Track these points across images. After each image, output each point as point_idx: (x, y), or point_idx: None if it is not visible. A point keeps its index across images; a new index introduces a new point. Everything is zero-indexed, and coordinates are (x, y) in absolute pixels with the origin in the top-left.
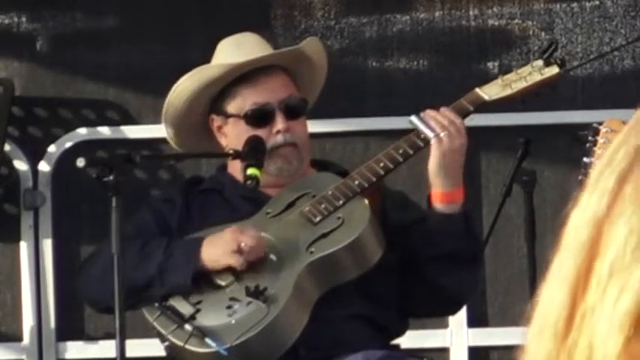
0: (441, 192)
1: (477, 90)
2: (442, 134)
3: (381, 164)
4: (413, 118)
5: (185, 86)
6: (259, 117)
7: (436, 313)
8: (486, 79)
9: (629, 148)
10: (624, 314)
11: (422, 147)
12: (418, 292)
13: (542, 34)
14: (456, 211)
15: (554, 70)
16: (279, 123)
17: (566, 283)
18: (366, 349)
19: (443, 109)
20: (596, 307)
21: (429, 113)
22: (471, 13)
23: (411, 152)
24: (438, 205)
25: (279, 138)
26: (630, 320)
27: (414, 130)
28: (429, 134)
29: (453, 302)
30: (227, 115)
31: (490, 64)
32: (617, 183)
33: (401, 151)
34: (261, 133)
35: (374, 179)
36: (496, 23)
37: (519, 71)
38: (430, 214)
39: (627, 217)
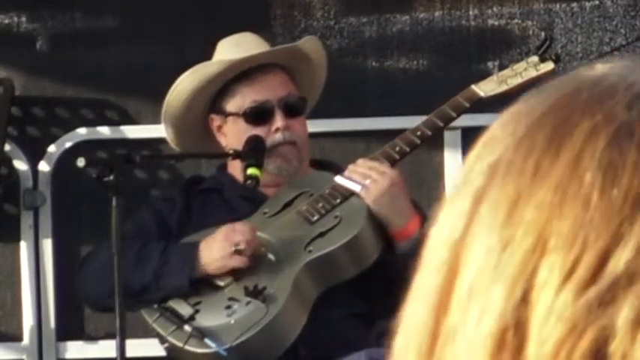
0: (397, 231)
1: (473, 87)
2: (367, 182)
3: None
4: (337, 178)
5: (184, 85)
6: (258, 115)
7: None
8: (486, 78)
9: (482, 165)
10: (486, 336)
11: (418, 144)
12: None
13: (542, 33)
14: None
15: (549, 65)
16: (279, 121)
17: (427, 302)
18: (366, 348)
19: (360, 161)
20: (458, 328)
21: (350, 168)
22: (470, 13)
23: (407, 150)
24: (401, 243)
25: (278, 136)
26: (493, 342)
27: (410, 129)
28: (355, 188)
29: None
30: (226, 114)
31: (490, 64)
32: (472, 204)
33: (397, 149)
34: (260, 131)
35: None
36: (496, 23)
37: (515, 67)
38: (397, 254)
39: (484, 237)
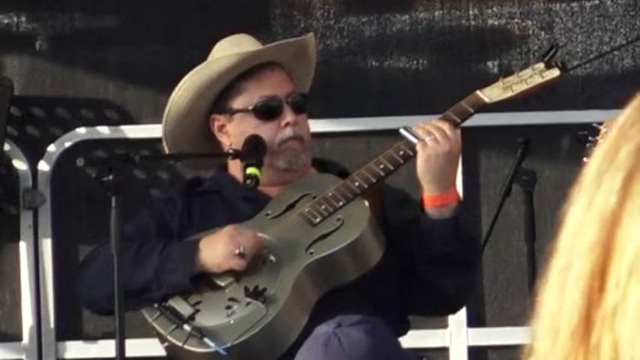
0: (429, 196)
1: (478, 92)
2: (427, 139)
3: (382, 166)
4: (402, 129)
5: (193, 81)
6: (268, 109)
7: (436, 313)
8: (486, 78)
9: (631, 146)
10: None
11: None
12: (417, 291)
13: (542, 33)
14: (447, 215)
15: (555, 72)
16: (288, 116)
17: (578, 285)
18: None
19: (433, 120)
20: (618, 308)
21: (418, 124)
22: (470, 12)
23: (411, 154)
24: (428, 208)
25: (289, 131)
26: None
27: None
28: (414, 141)
29: (449, 303)
30: (232, 112)
31: (490, 64)
32: (624, 182)
33: (401, 153)
34: (269, 126)
35: (374, 180)
36: (496, 23)
37: (520, 74)
38: (421, 218)
39: None
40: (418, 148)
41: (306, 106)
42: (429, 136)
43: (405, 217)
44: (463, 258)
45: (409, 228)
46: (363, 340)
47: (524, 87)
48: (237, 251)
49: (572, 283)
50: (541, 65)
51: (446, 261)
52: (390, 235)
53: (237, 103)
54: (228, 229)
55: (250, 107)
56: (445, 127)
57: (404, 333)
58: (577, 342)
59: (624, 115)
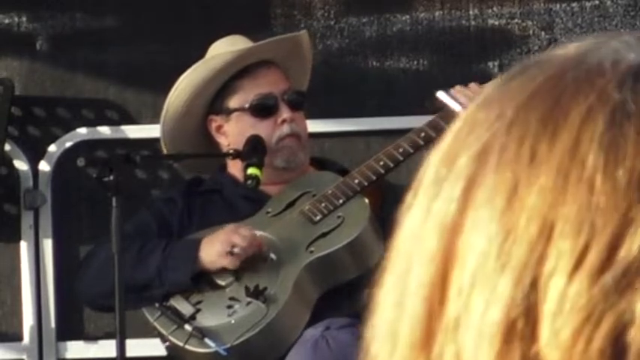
0: None
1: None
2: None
3: (381, 163)
4: (440, 93)
5: (189, 80)
6: (264, 107)
7: None
8: (486, 79)
9: (471, 153)
10: (494, 326)
11: (422, 145)
12: None
13: (543, 33)
14: None
15: None
16: (285, 113)
17: (418, 293)
18: None
19: (471, 85)
20: (460, 319)
21: (457, 88)
22: (470, 12)
23: (411, 151)
24: None
25: (286, 128)
26: (502, 331)
27: (413, 129)
28: (456, 106)
29: None
30: (229, 112)
31: (490, 64)
32: (464, 190)
33: (401, 150)
34: (266, 124)
35: (374, 178)
36: (496, 23)
37: None
38: None
39: (483, 225)
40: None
41: (303, 103)
42: (469, 102)
43: None
44: None
45: None
46: (351, 342)
47: None
48: (228, 249)
49: (413, 291)
50: None
51: None
52: (391, 229)
53: (234, 102)
54: (227, 228)
55: (246, 105)
56: None
57: None
58: (417, 352)
59: (459, 123)
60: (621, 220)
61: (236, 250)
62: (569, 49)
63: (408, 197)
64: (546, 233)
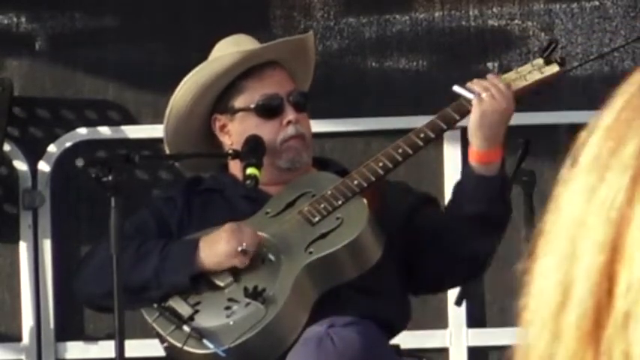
0: (476, 151)
1: None
2: (484, 94)
3: (381, 164)
4: (455, 87)
5: (194, 80)
6: (270, 108)
7: (459, 280)
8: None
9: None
10: None
11: (421, 146)
12: (440, 261)
13: (542, 34)
14: (493, 173)
15: (554, 68)
16: (290, 114)
17: (587, 283)
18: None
19: (489, 75)
20: (631, 314)
21: (474, 80)
22: (470, 13)
23: (410, 152)
24: (474, 163)
25: (291, 129)
26: None
27: (413, 130)
28: (470, 95)
29: (476, 264)
30: (234, 111)
31: (490, 65)
32: (633, 179)
33: (400, 151)
34: (271, 125)
35: (373, 179)
36: (496, 23)
37: (519, 70)
38: (467, 173)
39: None
40: (474, 102)
41: (307, 105)
42: (485, 92)
43: (415, 199)
44: (501, 220)
45: (425, 204)
46: (356, 340)
47: (523, 83)
48: (240, 248)
49: (581, 279)
50: (540, 61)
51: (487, 220)
52: (395, 223)
53: (239, 102)
54: (228, 227)
55: (252, 106)
56: (502, 86)
57: (405, 324)
58: (585, 345)
59: (619, 103)
60: None
61: (244, 247)
62: None
63: (563, 171)
64: None
